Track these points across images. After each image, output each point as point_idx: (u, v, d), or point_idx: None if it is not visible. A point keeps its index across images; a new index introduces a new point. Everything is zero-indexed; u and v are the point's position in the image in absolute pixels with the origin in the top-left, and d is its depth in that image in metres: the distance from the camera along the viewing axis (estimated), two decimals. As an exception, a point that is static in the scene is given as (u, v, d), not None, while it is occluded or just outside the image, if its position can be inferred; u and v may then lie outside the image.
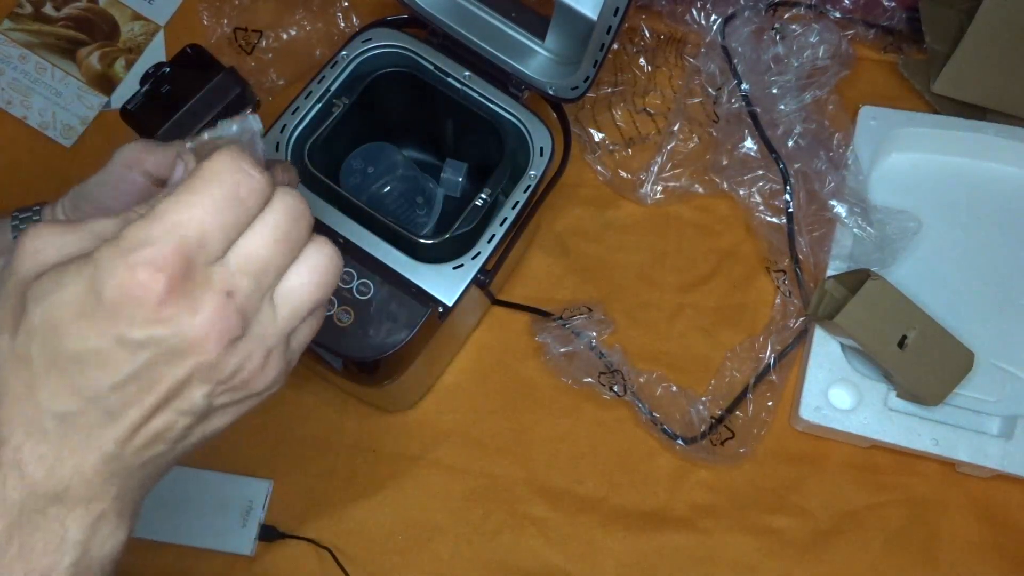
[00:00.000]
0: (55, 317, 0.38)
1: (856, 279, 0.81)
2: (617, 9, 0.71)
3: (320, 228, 0.74)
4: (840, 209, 0.84)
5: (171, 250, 0.38)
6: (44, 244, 0.40)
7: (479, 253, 0.75)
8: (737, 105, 0.89)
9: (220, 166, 0.39)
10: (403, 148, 0.87)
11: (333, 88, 0.79)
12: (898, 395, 0.80)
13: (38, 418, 0.39)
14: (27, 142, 0.92)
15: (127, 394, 0.39)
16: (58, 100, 0.94)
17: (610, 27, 0.73)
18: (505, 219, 0.76)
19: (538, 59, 0.81)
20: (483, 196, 0.76)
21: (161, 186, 0.61)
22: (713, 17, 0.92)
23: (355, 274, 0.74)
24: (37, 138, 0.92)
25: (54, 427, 0.39)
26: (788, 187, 0.86)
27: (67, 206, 0.60)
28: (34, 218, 0.60)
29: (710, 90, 0.92)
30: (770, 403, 0.83)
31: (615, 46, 0.86)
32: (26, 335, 0.39)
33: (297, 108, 0.79)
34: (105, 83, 0.95)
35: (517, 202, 0.77)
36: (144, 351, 0.38)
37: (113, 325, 0.38)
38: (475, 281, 0.74)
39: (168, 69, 0.79)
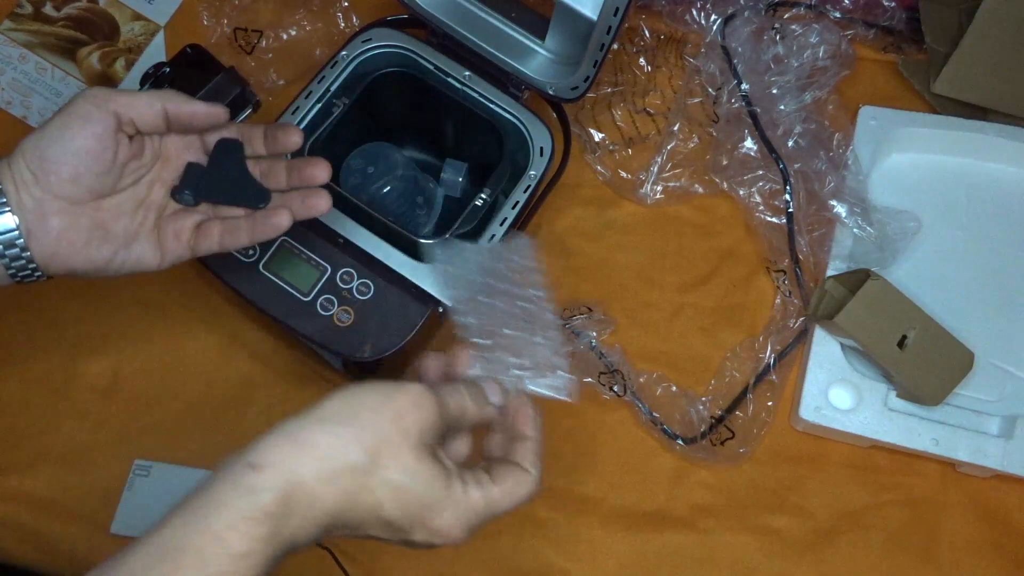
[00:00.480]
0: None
1: (856, 279, 0.81)
2: (617, 9, 0.71)
3: (321, 228, 0.75)
4: (840, 209, 0.84)
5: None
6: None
7: (479, 253, 0.75)
8: (737, 105, 0.89)
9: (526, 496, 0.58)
10: (403, 148, 0.87)
11: (333, 88, 0.79)
12: (898, 395, 0.80)
13: None
14: (27, 142, 0.92)
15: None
16: (58, 100, 0.94)
17: (610, 27, 0.73)
18: (505, 219, 0.76)
19: (538, 59, 0.81)
20: (483, 196, 0.76)
21: (131, 133, 0.62)
22: (713, 17, 0.92)
23: (355, 274, 0.74)
24: (37, 138, 0.92)
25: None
26: (788, 187, 0.86)
27: (29, 158, 0.60)
28: None
29: (710, 90, 0.92)
30: (770, 403, 0.83)
31: (615, 46, 0.86)
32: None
33: (297, 108, 0.79)
34: (105, 83, 0.95)
35: (517, 202, 0.77)
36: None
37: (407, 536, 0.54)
38: (475, 281, 0.74)
39: (168, 69, 0.79)
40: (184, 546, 0.47)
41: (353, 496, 0.50)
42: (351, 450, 0.50)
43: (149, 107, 0.62)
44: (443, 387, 0.56)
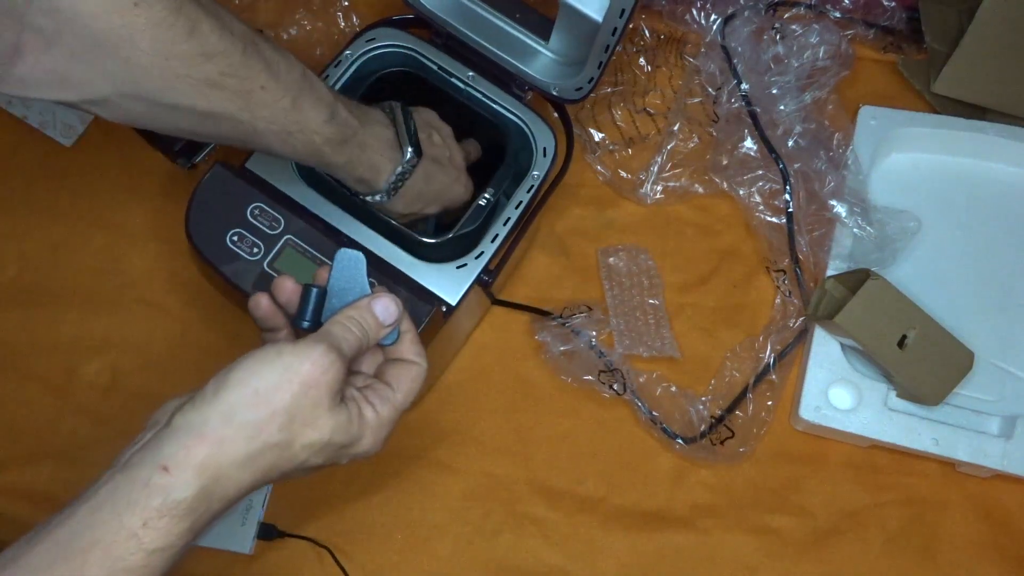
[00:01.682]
0: None
1: (856, 279, 0.81)
2: (623, 11, 0.71)
3: (324, 228, 0.75)
4: (840, 209, 0.84)
5: None
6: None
7: (482, 253, 0.75)
8: (737, 105, 0.89)
9: (420, 387, 0.59)
10: (405, 148, 0.87)
11: (337, 88, 0.79)
12: (898, 395, 0.81)
13: None
14: (27, 142, 0.92)
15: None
16: (57, 98, 0.94)
17: (615, 29, 0.73)
18: (508, 219, 0.76)
19: (542, 60, 0.81)
20: (486, 196, 0.76)
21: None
22: (713, 17, 0.93)
23: (357, 274, 0.74)
24: (37, 138, 0.92)
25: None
26: (788, 187, 0.86)
27: None
28: None
29: (710, 90, 0.92)
30: (770, 403, 0.84)
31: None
32: None
33: (299, 107, 0.78)
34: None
35: (520, 202, 0.77)
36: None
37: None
38: (478, 281, 0.74)
39: (170, 68, 0.78)
40: (94, 541, 0.47)
41: (274, 466, 0.52)
42: (265, 433, 0.51)
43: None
44: (335, 329, 0.55)
